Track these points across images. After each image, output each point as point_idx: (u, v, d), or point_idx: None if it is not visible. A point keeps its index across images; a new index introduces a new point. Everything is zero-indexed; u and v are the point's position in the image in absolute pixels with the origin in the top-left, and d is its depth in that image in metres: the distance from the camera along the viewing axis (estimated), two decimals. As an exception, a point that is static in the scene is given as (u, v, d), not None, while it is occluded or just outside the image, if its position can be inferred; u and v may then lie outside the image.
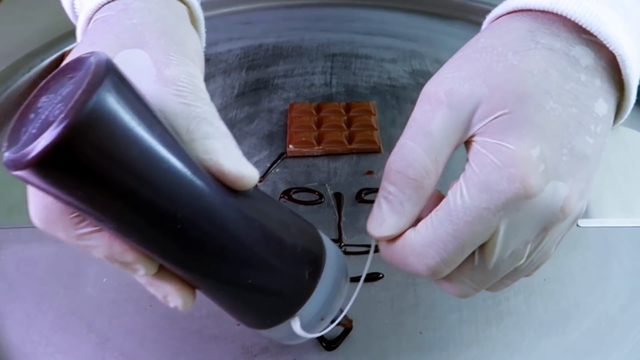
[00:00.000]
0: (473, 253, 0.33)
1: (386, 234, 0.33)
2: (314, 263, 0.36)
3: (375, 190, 0.54)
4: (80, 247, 0.33)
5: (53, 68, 0.66)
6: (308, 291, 0.36)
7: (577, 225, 0.52)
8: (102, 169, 0.28)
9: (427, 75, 0.66)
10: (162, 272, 0.34)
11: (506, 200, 0.30)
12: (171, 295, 0.35)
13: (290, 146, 0.58)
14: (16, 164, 0.27)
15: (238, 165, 0.32)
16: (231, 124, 0.61)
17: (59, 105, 0.28)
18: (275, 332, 0.37)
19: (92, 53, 0.29)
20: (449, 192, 0.32)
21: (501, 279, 0.35)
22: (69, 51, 0.66)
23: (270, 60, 0.70)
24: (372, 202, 0.53)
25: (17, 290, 0.48)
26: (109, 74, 0.28)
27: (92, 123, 0.27)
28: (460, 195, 0.31)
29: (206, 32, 0.45)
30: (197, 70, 0.36)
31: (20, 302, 0.48)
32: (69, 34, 0.69)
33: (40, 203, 0.32)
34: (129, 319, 0.47)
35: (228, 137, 0.33)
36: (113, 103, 0.27)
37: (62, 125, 0.26)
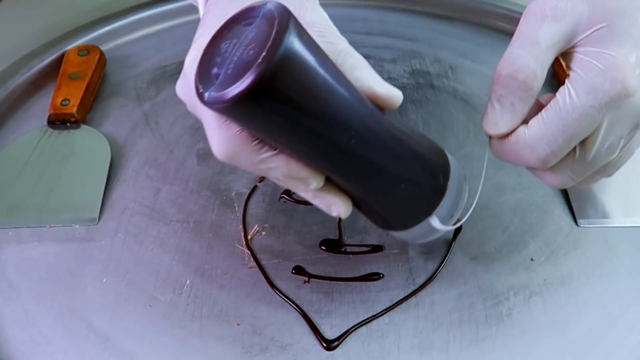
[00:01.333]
0: (574, 147, 0.38)
1: (501, 132, 0.39)
2: (444, 169, 0.43)
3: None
4: (260, 171, 0.38)
5: (53, 68, 0.66)
6: (442, 193, 0.42)
7: (577, 225, 0.52)
8: (295, 100, 0.33)
9: (427, 75, 0.66)
10: (326, 185, 0.40)
11: (609, 99, 0.35)
12: (335, 204, 0.40)
13: (290, 146, 0.58)
14: (222, 100, 0.32)
15: (387, 87, 0.38)
16: (231, 124, 0.61)
17: (252, 46, 0.32)
18: (415, 231, 0.43)
19: (264, 2, 0.34)
20: (557, 95, 0.37)
21: (595, 173, 0.41)
22: (69, 51, 0.66)
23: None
24: (372, 202, 0.54)
25: (17, 290, 0.48)
26: (290, 17, 0.32)
27: (287, 61, 0.32)
28: (568, 96, 0.36)
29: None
30: (325, 13, 0.41)
31: (20, 302, 0.48)
32: (69, 34, 0.69)
33: (224, 136, 0.36)
34: (129, 319, 0.47)
35: (370, 67, 0.38)
36: (299, 43, 0.32)
37: (265, 63, 0.31)
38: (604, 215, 0.53)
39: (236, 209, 0.54)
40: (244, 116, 0.34)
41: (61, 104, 0.60)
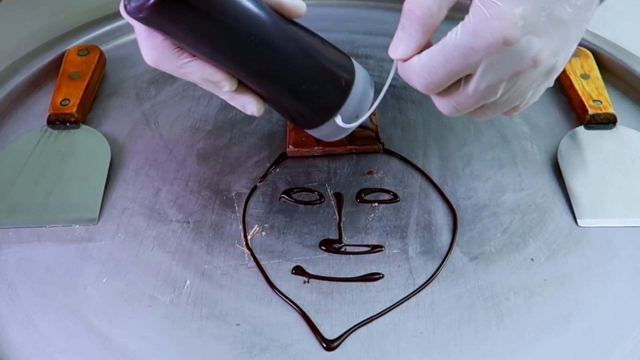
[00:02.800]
0: (460, 81, 0.42)
1: (399, 56, 0.43)
2: (348, 72, 0.49)
3: (375, 190, 0.55)
4: (182, 75, 0.46)
5: (53, 68, 0.65)
6: (345, 94, 0.48)
7: (577, 225, 0.52)
8: (199, 7, 0.41)
9: (427, 75, 0.66)
10: (240, 88, 0.47)
11: (487, 45, 0.38)
12: (248, 104, 0.48)
13: (290, 146, 0.58)
14: (140, 9, 0.40)
15: None
16: (231, 124, 0.61)
17: None
18: (323, 129, 0.50)
19: None
20: (448, 33, 0.40)
21: (482, 109, 0.44)
22: (69, 51, 0.66)
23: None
24: (372, 202, 0.54)
25: (17, 290, 0.48)
26: None
27: None
28: (455, 36, 0.39)
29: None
30: None
31: (20, 302, 0.48)
32: (69, 34, 0.68)
33: (150, 44, 0.45)
34: (129, 319, 0.47)
35: None
36: None
37: None
38: (604, 215, 0.53)
39: (236, 209, 0.54)
40: (159, 23, 0.42)
41: (61, 104, 0.60)
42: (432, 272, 0.49)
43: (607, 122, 0.59)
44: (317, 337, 0.45)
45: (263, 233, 0.52)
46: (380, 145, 0.58)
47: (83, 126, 0.60)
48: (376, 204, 0.54)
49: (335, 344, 0.45)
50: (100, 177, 0.55)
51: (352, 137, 0.58)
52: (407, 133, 0.60)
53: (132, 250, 0.51)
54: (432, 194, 0.55)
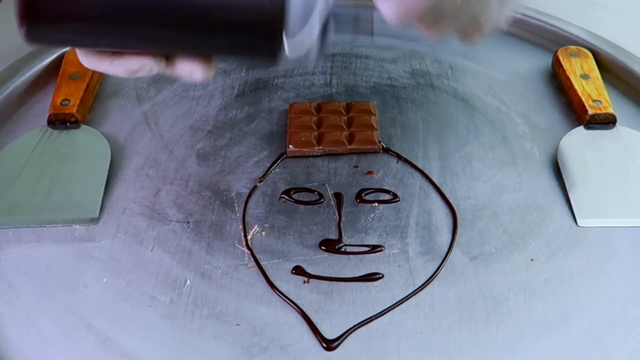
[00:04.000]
0: None
1: None
2: None
3: (375, 190, 0.55)
4: (115, 73, 0.43)
5: (53, 68, 0.66)
6: (278, 12, 0.38)
7: (577, 225, 0.52)
8: (65, 16, 0.39)
9: (427, 75, 0.66)
10: (175, 60, 0.42)
11: None
12: (193, 72, 0.42)
13: (290, 146, 0.58)
14: (26, 37, 0.39)
15: None
16: (231, 124, 0.61)
17: None
18: (287, 60, 0.40)
19: None
20: None
21: (437, 23, 0.40)
22: (69, 51, 0.66)
23: (270, 60, 0.70)
24: (372, 202, 0.54)
25: (17, 290, 0.48)
26: None
27: None
28: None
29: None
30: None
31: (20, 302, 0.48)
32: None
33: (77, 52, 0.43)
34: (129, 319, 0.47)
35: None
36: None
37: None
38: (604, 215, 0.53)
39: (236, 209, 0.54)
40: (50, 42, 0.42)
41: (61, 104, 0.60)
42: (432, 272, 0.49)
43: (607, 122, 0.59)
44: (317, 337, 0.45)
45: (263, 233, 0.52)
46: (380, 145, 0.58)
47: (83, 126, 0.60)
48: (376, 204, 0.54)
49: (335, 344, 0.45)
50: (100, 177, 0.55)
51: (352, 137, 0.58)
52: (407, 133, 0.60)
53: (132, 250, 0.51)
54: (432, 194, 0.55)
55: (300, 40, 0.39)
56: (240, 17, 0.39)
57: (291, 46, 0.39)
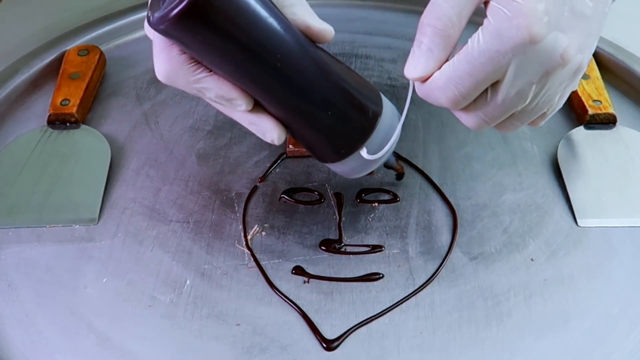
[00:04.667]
0: (487, 91, 0.40)
1: (418, 75, 0.41)
2: (375, 103, 0.46)
3: (375, 190, 0.55)
4: (196, 90, 0.44)
5: (53, 68, 0.65)
6: (372, 125, 0.46)
7: (577, 225, 0.52)
8: (226, 21, 0.39)
9: (427, 75, 0.66)
10: (259, 112, 0.45)
11: (514, 45, 0.37)
12: (269, 130, 0.45)
13: (290, 146, 0.58)
14: (163, 19, 0.38)
15: (320, 22, 0.44)
16: (231, 124, 0.61)
17: None
18: (348, 163, 0.47)
19: None
20: (469, 40, 0.38)
21: (510, 119, 0.42)
22: (69, 51, 0.66)
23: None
24: (372, 202, 0.54)
25: (17, 290, 0.48)
26: None
27: None
28: (477, 41, 0.38)
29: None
30: None
31: (20, 302, 0.48)
32: (69, 34, 0.68)
33: (166, 57, 0.43)
34: (129, 319, 0.47)
35: (307, 5, 0.45)
36: None
37: None
38: (604, 215, 0.53)
39: (236, 209, 0.54)
40: (183, 35, 0.40)
41: (61, 104, 0.60)
42: (432, 272, 0.49)
43: (607, 122, 0.59)
44: (317, 337, 0.45)
45: (263, 233, 0.52)
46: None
47: (83, 126, 0.60)
48: (376, 204, 0.54)
49: (335, 344, 0.45)
50: (100, 177, 0.55)
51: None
52: (407, 133, 0.60)
53: (132, 250, 0.51)
54: (432, 194, 0.55)
55: (377, 152, 0.46)
56: (347, 112, 0.45)
57: (367, 150, 0.46)
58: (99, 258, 0.50)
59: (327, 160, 0.48)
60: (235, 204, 0.54)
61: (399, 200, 0.54)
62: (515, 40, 0.37)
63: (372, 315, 0.47)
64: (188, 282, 0.49)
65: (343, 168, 0.47)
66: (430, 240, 0.51)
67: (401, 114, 0.45)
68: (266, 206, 0.54)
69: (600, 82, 0.62)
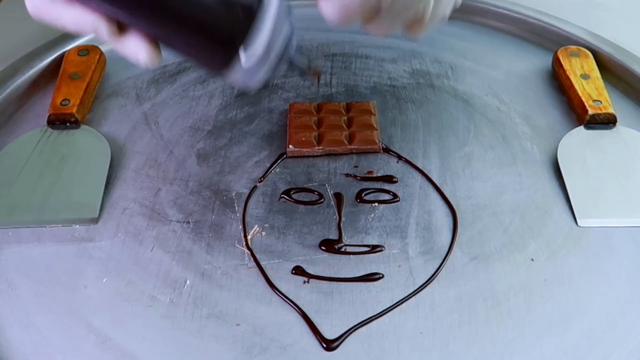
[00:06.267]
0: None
1: None
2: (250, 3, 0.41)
3: (375, 191, 0.55)
4: (60, 23, 0.42)
5: (53, 68, 0.66)
6: (246, 26, 0.40)
7: (577, 225, 0.52)
8: None
9: (427, 75, 0.66)
10: (128, 34, 0.42)
11: None
12: (140, 52, 0.42)
13: (290, 146, 0.58)
14: None
15: None
16: (231, 124, 0.61)
17: None
18: (234, 74, 0.42)
19: None
20: None
21: (378, 18, 0.42)
22: (69, 51, 0.66)
23: (270, 60, 0.70)
24: (372, 202, 0.54)
25: (17, 290, 0.48)
26: None
27: None
28: None
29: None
30: None
31: (20, 302, 0.48)
32: (69, 34, 0.68)
33: None
34: (129, 319, 0.47)
35: None
36: None
37: None
38: (604, 215, 0.53)
39: (236, 209, 0.54)
40: None
41: (61, 104, 0.60)
42: (432, 272, 0.49)
43: (607, 122, 0.59)
44: (317, 337, 0.45)
45: (263, 233, 0.52)
46: (380, 145, 0.58)
47: (83, 126, 0.60)
48: (376, 204, 0.54)
49: (335, 344, 0.45)
50: (100, 177, 0.55)
51: (352, 137, 0.59)
52: (407, 133, 0.60)
53: (132, 250, 0.51)
54: (432, 194, 0.55)
55: (256, 53, 0.41)
56: (210, 14, 0.40)
57: (247, 57, 0.41)
58: (99, 258, 0.50)
59: (211, 69, 0.44)
60: (235, 204, 0.54)
61: (399, 200, 0.54)
62: None
63: (372, 315, 0.47)
64: (188, 282, 0.49)
65: (236, 76, 0.42)
66: (430, 240, 0.51)
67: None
68: (266, 206, 0.54)
69: (600, 82, 0.62)
